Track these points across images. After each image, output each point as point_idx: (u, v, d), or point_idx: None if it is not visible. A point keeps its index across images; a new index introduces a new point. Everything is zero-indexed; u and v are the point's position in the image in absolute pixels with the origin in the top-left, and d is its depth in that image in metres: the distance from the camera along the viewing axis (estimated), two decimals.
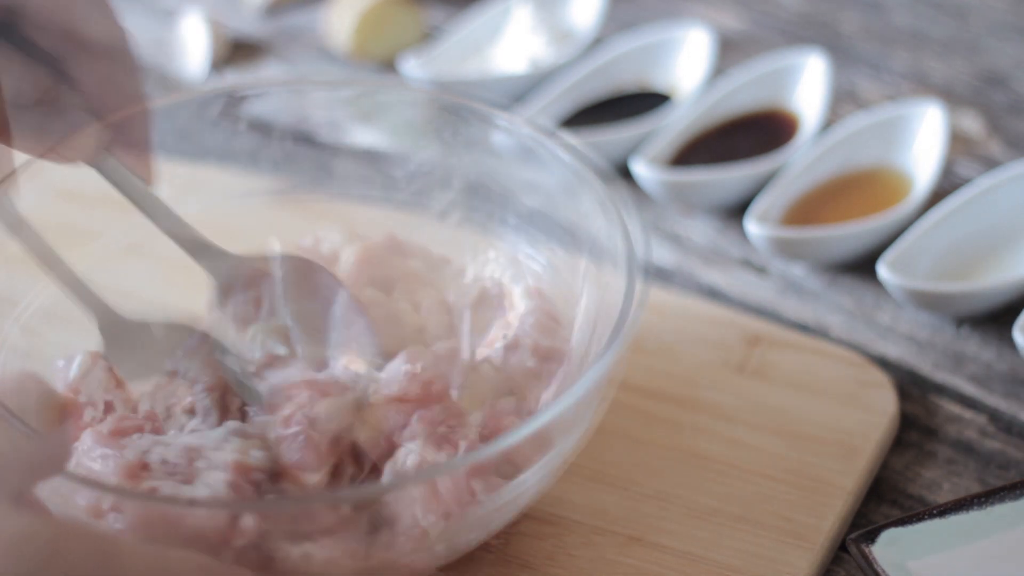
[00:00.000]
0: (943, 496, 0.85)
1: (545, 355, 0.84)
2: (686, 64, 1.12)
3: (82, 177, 0.86)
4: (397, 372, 0.80)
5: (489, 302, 0.87)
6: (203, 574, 0.68)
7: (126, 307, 0.88)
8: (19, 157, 0.84)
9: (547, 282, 0.88)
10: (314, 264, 0.85)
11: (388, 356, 0.84)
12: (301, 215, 0.93)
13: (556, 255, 0.88)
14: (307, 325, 0.83)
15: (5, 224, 0.81)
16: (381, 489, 0.75)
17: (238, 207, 0.92)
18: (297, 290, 0.84)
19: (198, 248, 0.83)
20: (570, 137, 0.86)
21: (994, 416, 0.90)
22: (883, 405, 0.88)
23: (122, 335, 0.82)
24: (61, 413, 0.80)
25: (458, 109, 0.90)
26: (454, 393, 0.80)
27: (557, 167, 0.87)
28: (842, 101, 1.13)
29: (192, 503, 0.72)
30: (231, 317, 0.83)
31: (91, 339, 0.86)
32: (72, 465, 0.75)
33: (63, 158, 0.81)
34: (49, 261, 0.82)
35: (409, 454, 0.77)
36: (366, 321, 0.83)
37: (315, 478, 0.76)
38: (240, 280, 0.84)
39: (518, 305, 0.85)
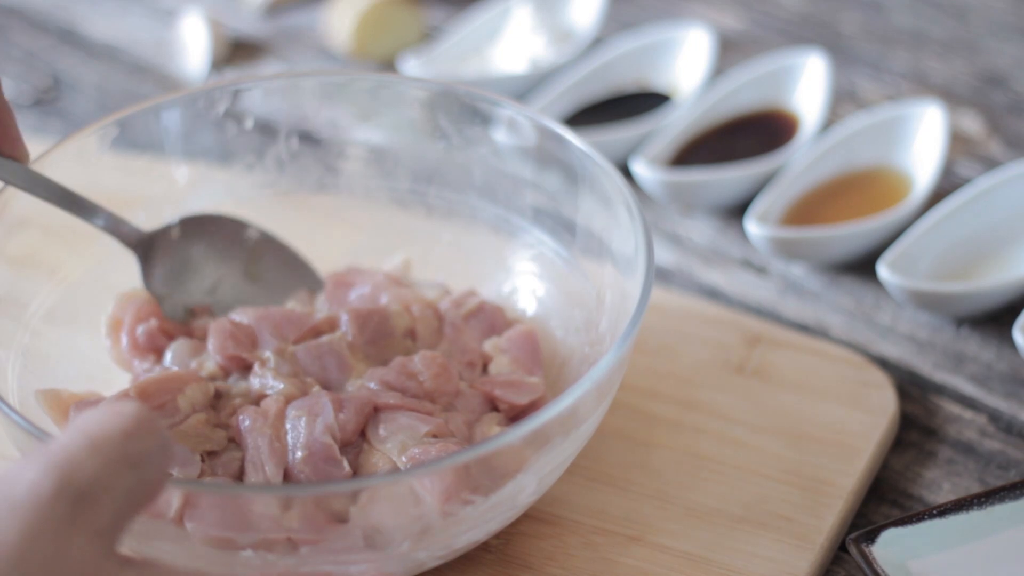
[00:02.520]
0: (943, 496, 0.86)
1: (528, 371, 0.84)
2: (686, 64, 1.12)
3: (83, 178, 0.86)
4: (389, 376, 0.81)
5: (482, 318, 0.87)
6: None
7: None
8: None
9: (550, 282, 0.89)
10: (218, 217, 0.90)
11: (379, 357, 0.84)
12: (305, 215, 0.93)
13: (561, 254, 0.88)
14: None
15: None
16: (367, 482, 0.75)
17: (241, 206, 0.92)
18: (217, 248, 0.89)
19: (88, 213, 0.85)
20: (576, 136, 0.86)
21: (994, 416, 0.90)
22: (883, 405, 0.88)
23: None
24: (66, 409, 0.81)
25: (464, 104, 0.90)
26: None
27: (569, 164, 0.86)
28: (842, 101, 1.13)
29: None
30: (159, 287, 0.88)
31: (93, 339, 0.87)
32: None
33: None
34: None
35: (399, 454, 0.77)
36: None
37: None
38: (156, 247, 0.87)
39: (510, 330, 0.86)
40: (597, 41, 1.18)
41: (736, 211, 1.03)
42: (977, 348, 0.94)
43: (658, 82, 1.13)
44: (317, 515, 0.72)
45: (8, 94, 1.17)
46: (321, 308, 0.88)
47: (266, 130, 0.92)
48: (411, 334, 0.86)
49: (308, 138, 0.93)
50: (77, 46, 1.22)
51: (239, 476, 0.79)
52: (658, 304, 0.93)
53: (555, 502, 0.82)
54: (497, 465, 0.73)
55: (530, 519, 0.82)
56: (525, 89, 1.12)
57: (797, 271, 1.00)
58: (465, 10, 1.23)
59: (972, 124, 1.11)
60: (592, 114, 1.11)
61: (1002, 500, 0.80)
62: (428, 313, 0.86)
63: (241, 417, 0.79)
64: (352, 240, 0.93)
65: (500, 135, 0.89)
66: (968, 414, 0.90)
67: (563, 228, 0.88)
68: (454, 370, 0.82)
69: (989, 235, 0.98)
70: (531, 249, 0.89)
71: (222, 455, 0.79)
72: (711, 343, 0.92)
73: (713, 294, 0.99)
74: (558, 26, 1.18)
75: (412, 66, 1.13)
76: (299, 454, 0.77)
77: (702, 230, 1.03)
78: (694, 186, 1.02)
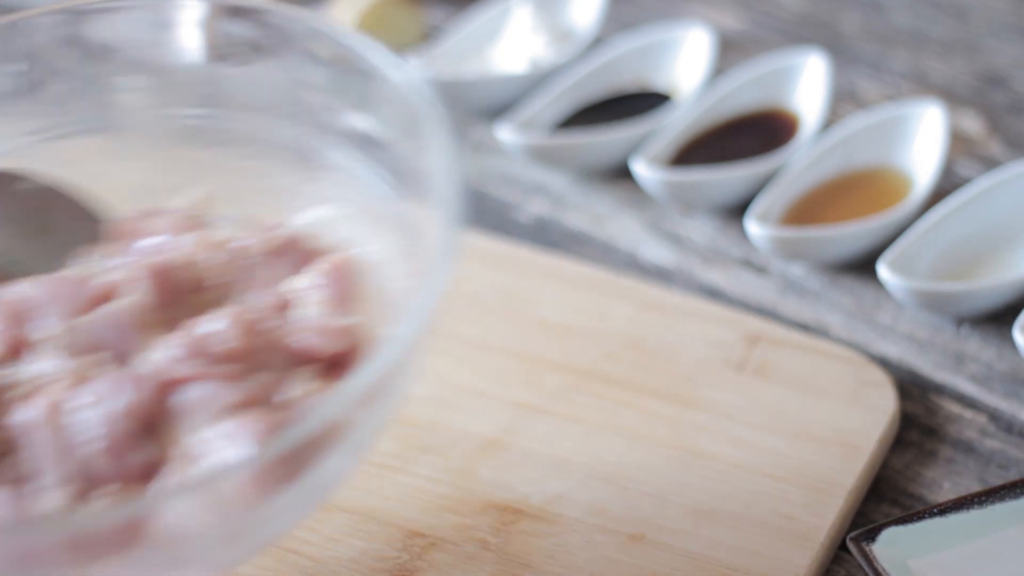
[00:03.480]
0: (943, 495, 0.86)
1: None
2: (686, 64, 1.12)
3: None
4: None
5: (292, 253, 0.76)
6: None
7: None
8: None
9: (365, 211, 0.78)
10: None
11: (180, 319, 0.73)
12: (82, 159, 0.82)
13: (375, 181, 0.78)
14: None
15: None
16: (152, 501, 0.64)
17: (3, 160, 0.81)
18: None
19: None
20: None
21: (994, 416, 0.90)
22: (883, 404, 0.88)
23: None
24: None
25: (256, 19, 0.79)
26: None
27: (374, 82, 0.76)
28: (842, 101, 1.13)
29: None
30: None
31: None
32: None
33: None
34: None
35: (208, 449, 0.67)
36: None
37: None
38: None
39: (322, 262, 0.75)
40: (597, 41, 1.17)
41: (736, 211, 1.03)
42: (977, 348, 0.94)
43: (658, 82, 1.13)
44: (106, 539, 0.61)
45: None
46: (110, 266, 0.76)
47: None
48: (213, 286, 0.74)
49: (76, 73, 0.81)
50: None
51: (22, 484, 0.68)
52: (658, 304, 0.93)
53: (555, 500, 0.82)
54: (310, 445, 0.63)
55: (530, 518, 0.82)
56: (525, 89, 1.12)
57: (797, 271, 1.00)
58: (465, 10, 1.23)
59: (972, 124, 1.11)
60: (592, 114, 1.11)
61: (1002, 499, 0.80)
62: (231, 256, 0.75)
63: (15, 413, 0.68)
64: (141, 180, 0.82)
65: (297, 53, 0.79)
66: (968, 413, 0.90)
67: (375, 153, 0.77)
68: (259, 321, 0.71)
69: (989, 235, 0.98)
70: (340, 173, 0.79)
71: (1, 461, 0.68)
72: (711, 342, 0.92)
73: (713, 294, 0.99)
74: (558, 26, 1.18)
75: (412, 66, 1.13)
76: (87, 449, 0.67)
77: (702, 230, 1.03)
78: (694, 186, 1.02)
